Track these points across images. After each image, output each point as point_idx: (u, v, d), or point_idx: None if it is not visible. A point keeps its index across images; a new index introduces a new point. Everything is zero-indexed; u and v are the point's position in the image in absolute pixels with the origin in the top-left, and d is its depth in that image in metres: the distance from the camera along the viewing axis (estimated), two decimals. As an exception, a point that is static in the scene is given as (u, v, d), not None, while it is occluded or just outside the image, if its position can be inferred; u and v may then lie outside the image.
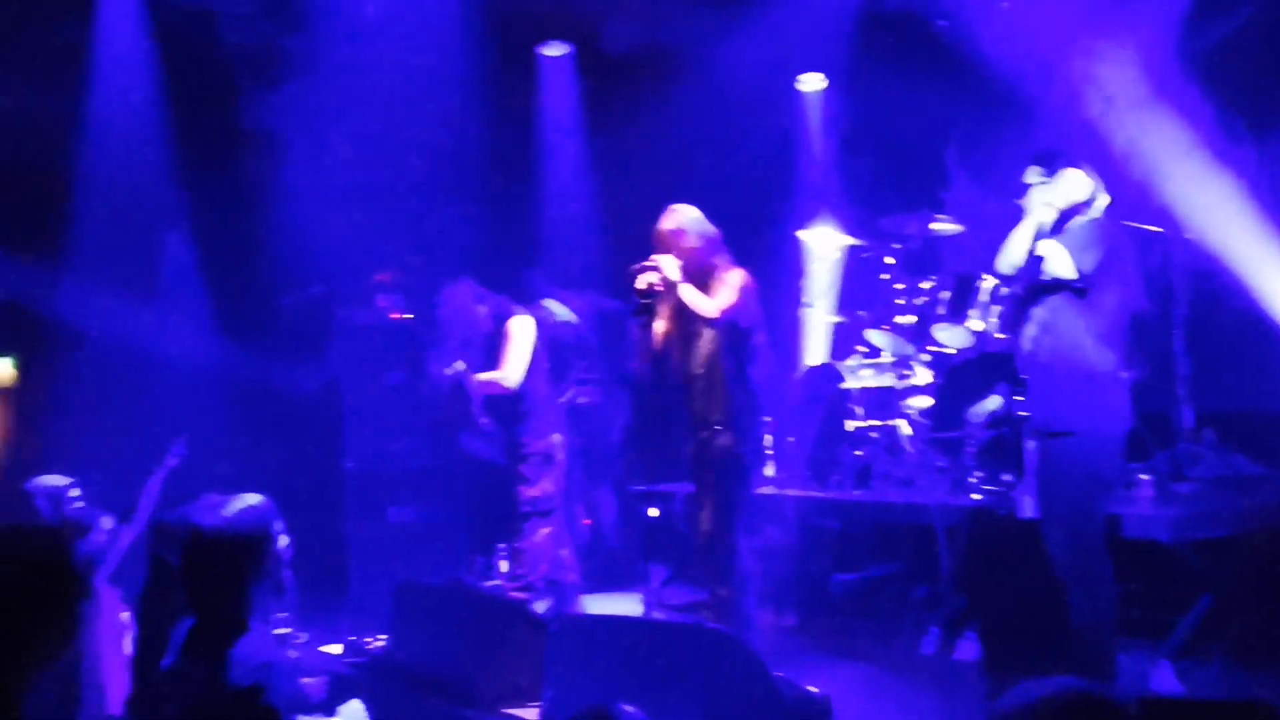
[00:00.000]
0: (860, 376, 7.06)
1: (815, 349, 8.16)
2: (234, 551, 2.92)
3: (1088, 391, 4.41)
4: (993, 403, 5.90)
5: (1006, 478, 5.75)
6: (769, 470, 7.23)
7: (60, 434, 7.81)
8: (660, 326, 5.28)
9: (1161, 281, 6.15)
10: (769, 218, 8.08)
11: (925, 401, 6.70)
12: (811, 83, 8.70)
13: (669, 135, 8.37)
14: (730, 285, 5.13)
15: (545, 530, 6.10)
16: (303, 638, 6.01)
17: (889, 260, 7.26)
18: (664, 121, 8.28)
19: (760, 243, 7.51)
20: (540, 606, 5.84)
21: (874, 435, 6.82)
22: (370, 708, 4.77)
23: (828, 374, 7.30)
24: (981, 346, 6.47)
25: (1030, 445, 4.70)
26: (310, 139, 8.15)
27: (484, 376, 6.09)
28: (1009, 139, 6.57)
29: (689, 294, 5.05)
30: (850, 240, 7.60)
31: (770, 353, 5.36)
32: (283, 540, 3.02)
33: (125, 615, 4.64)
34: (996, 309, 6.33)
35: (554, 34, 8.86)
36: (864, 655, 5.70)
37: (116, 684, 4.37)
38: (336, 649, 5.91)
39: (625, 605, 6.20)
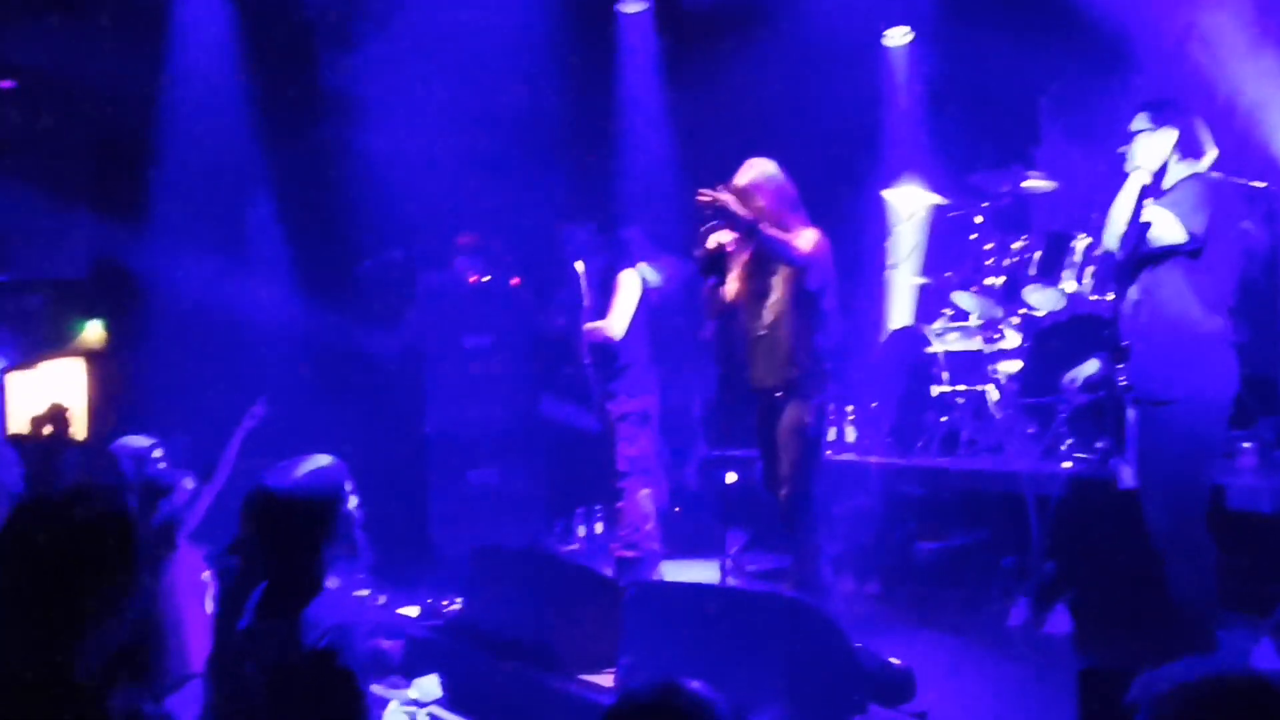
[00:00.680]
0: (946, 340, 6.92)
1: (900, 312, 8.02)
2: (304, 512, 2.90)
3: (1194, 357, 4.25)
4: (1089, 367, 5.69)
5: (1100, 445, 5.57)
6: (850, 436, 7.12)
7: (146, 395, 7.97)
8: (731, 286, 5.16)
9: (1267, 239, 5.87)
10: (854, 176, 7.89)
11: (1014, 366, 6.53)
12: (897, 37, 8.47)
13: (751, 93, 8.18)
14: (806, 241, 4.98)
15: (646, 490, 6.18)
16: (382, 600, 6.06)
17: (978, 219, 7.05)
18: (745, 79, 8.09)
19: (844, 202, 7.34)
20: (639, 566, 5.90)
21: (960, 400, 6.68)
22: (445, 671, 4.78)
23: (913, 338, 7.16)
24: (1072, 309, 6.26)
25: (1131, 414, 4.53)
26: (390, 101, 8.15)
27: (592, 325, 6.24)
28: (1106, 90, 6.30)
29: (774, 232, 4.91)
30: (937, 199, 7.38)
31: (839, 318, 5.21)
32: (352, 501, 2.97)
33: (206, 574, 4.68)
34: (1091, 270, 6.11)
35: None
36: (948, 626, 5.57)
37: (198, 643, 4.41)
38: (414, 611, 5.93)
39: (703, 572, 6.13)
